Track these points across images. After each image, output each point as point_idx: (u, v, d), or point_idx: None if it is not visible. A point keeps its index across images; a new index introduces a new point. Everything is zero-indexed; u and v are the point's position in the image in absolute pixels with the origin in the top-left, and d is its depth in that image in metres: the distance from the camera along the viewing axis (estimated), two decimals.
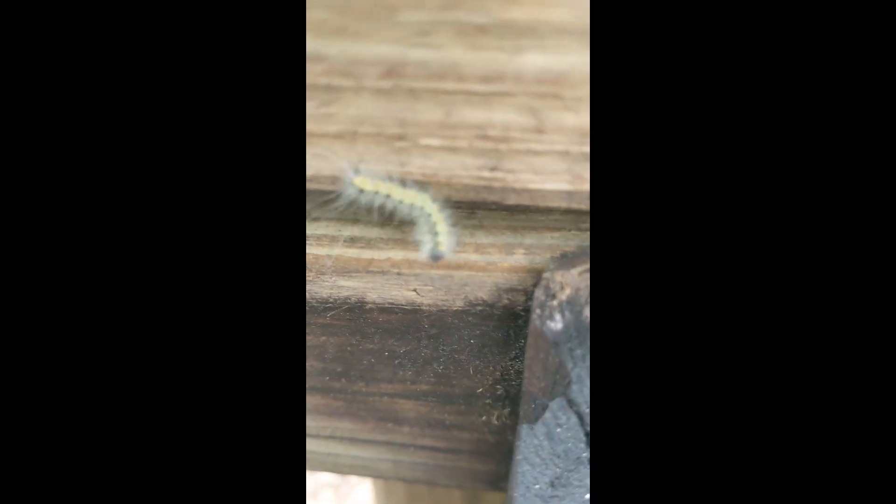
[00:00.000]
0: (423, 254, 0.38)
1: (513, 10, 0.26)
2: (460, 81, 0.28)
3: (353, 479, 1.95)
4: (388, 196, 0.33)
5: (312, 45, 0.27)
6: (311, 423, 0.55)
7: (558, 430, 0.35)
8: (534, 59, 0.27)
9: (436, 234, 0.37)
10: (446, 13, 0.26)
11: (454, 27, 0.26)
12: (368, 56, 0.27)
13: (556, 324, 0.35)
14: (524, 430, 0.36)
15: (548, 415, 0.35)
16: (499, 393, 0.47)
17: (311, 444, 0.59)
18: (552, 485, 0.35)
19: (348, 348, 0.46)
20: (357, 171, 0.32)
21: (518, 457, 0.36)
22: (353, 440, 0.56)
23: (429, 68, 0.27)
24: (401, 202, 0.34)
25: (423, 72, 0.28)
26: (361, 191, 0.32)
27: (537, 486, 0.35)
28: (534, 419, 0.37)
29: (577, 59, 0.28)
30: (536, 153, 0.31)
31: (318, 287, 0.42)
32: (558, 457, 0.35)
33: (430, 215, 0.35)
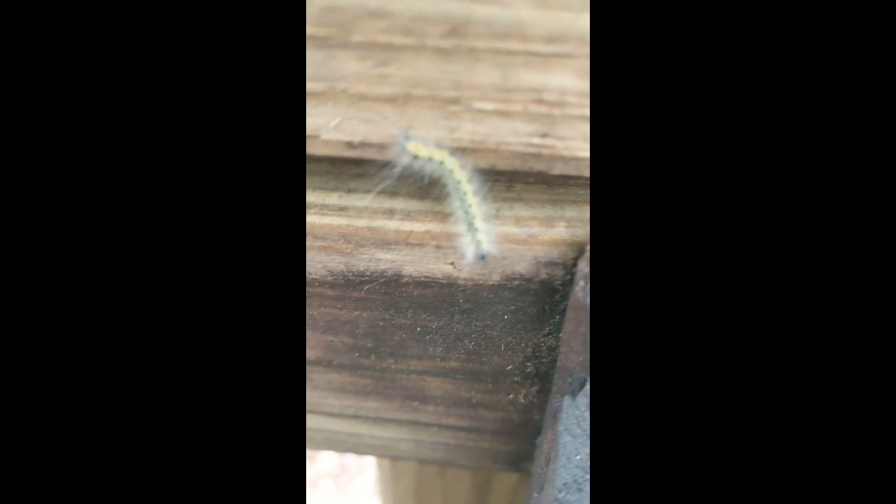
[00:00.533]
0: (468, 257, 0.37)
1: None
2: (524, 42, 0.27)
3: (353, 469, 1.94)
4: (441, 163, 0.32)
5: (376, 0, 0.27)
6: (336, 402, 0.55)
7: None
8: None
9: (475, 229, 0.36)
10: None
11: None
12: (433, 13, 0.27)
13: None
14: (566, 402, 0.36)
15: (590, 387, 0.35)
16: (528, 371, 0.47)
17: (333, 424, 0.58)
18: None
19: (381, 323, 0.45)
20: (408, 137, 0.32)
21: (559, 428, 0.35)
22: (377, 420, 0.56)
23: (493, 27, 0.27)
24: (451, 171, 0.33)
25: (486, 31, 0.27)
26: (415, 157, 0.32)
27: (578, 457, 0.35)
28: (575, 391, 0.36)
29: None
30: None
31: (356, 260, 0.41)
32: None
33: (464, 195, 0.35)
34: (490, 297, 0.42)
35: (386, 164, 0.33)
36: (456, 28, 0.27)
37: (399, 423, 0.55)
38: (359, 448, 0.60)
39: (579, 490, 0.35)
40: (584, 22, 0.27)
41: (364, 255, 0.40)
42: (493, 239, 0.37)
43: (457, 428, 0.54)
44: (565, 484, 0.35)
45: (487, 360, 0.46)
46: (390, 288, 0.42)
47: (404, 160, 0.32)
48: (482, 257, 0.37)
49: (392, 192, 0.38)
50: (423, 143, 0.32)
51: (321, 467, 1.97)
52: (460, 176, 0.33)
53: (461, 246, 0.37)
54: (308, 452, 1.90)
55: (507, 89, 0.29)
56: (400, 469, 0.98)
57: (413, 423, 0.55)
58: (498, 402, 0.50)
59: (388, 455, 0.60)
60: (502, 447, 0.56)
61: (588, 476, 0.35)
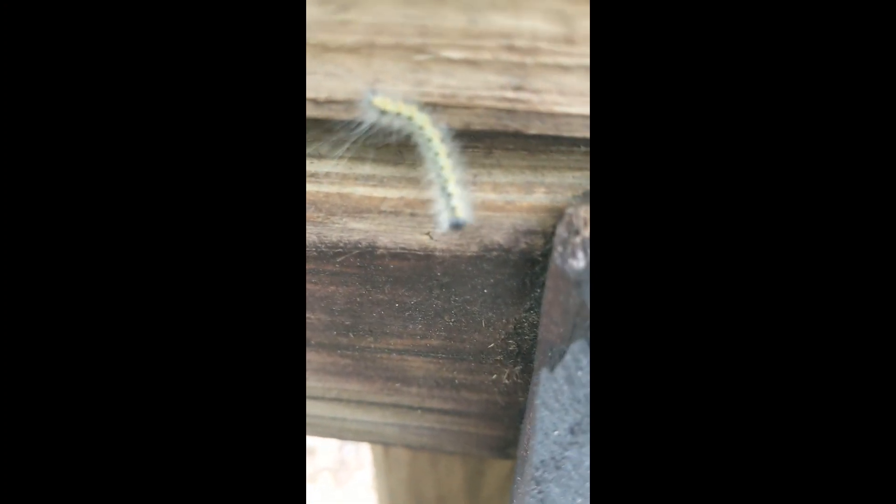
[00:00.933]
0: (443, 226, 0.34)
1: None
2: None
3: (352, 464, 1.92)
4: (409, 119, 0.30)
5: None
6: (317, 384, 0.53)
7: (579, 373, 0.32)
8: None
9: (448, 194, 0.34)
10: None
11: None
12: None
13: (579, 262, 0.32)
14: (543, 374, 0.33)
15: (568, 358, 0.33)
16: (511, 349, 0.44)
17: (316, 408, 0.56)
18: (572, 431, 0.32)
19: (357, 299, 0.43)
20: (374, 92, 0.30)
21: (536, 402, 0.33)
22: (359, 402, 0.53)
23: None
24: (420, 128, 0.31)
25: None
26: (383, 112, 0.29)
27: (556, 433, 0.32)
28: (553, 364, 0.34)
29: None
30: (565, 69, 0.28)
31: (328, 230, 0.39)
32: (579, 402, 0.32)
33: (436, 155, 0.32)
34: (468, 270, 0.40)
35: (352, 123, 0.31)
36: None
37: (382, 406, 0.53)
38: (343, 433, 0.58)
39: (557, 468, 0.33)
40: None
41: (336, 225, 0.38)
42: (469, 206, 0.34)
43: (441, 411, 0.52)
44: (542, 461, 0.32)
45: (468, 337, 0.44)
46: (365, 260, 0.40)
47: (371, 116, 0.30)
48: (457, 226, 0.34)
49: (363, 157, 0.36)
50: (391, 97, 0.30)
51: (320, 462, 1.95)
52: (431, 133, 0.31)
53: (435, 214, 0.34)
54: (308, 445, 1.88)
55: (476, 35, 0.27)
56: (393, 460, 0.96)
57: (396, 407, 0.53)
58: (481, 384, 0.48)
59: (374, 440, 0.58)
60: (488, 431, 0.54)
61: (566, 453, 0.32)
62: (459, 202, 0.34)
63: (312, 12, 0.28)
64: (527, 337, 0.43)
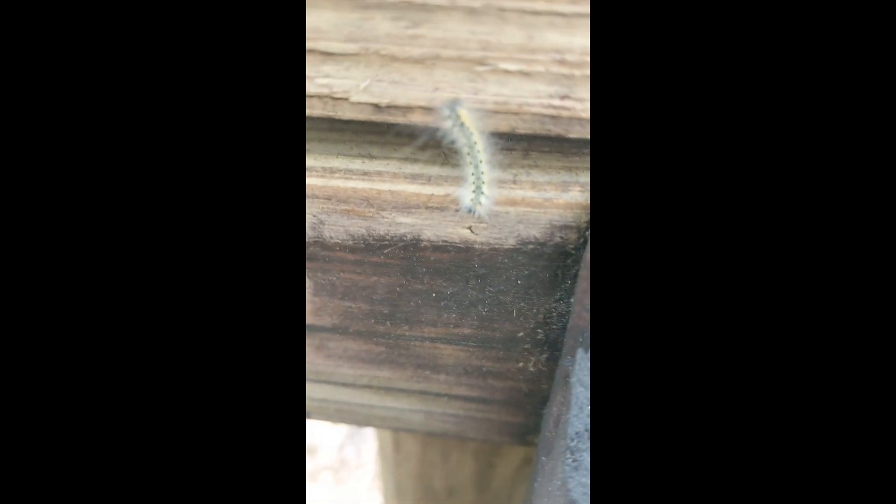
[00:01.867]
0: (462, 206, 0.39)
1: None
2: (549, 2, 0.29)
3: (353, 463, 1.95)
4: (471, 135, 0.33)
5: None
6: (350, 371, 0.56)
7: None
8: None
9: (481, 192, 0.38)
10: None
11: None
12: None
13: None
14: (578, 354, 0.37)
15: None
16: (539, 338, 0.48)
17: (346, 395, 0.59)
18: None
19: (397, 289, 0.47)
20: (461, 103, 0.33)
21: (572, 380, 0.37)
22: (388, 390, 0.57)
23: None
24: (475, 142, 0.34)
25: None
26: (462, 124, 0.33)
27: (589, 407, 0.36)
28: (587, 346, 0.37)
29: None
30: None
31: (377, 224, 0.42)
32: None
33: (479, 163, 0.36)
34: (505, 262, 0.43)
35: (413, 128, 0.35)
36: None
37: (409, 393, 0.57)
38: (370, 420, 0.62)
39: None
40: None
41: (385, 219, 0.42)
42: (490, 204, 0.38)
43: (467, 398, 0.56)
44: (577, 433, 0.36)
45: (499, 326, 0.48)
46: (408, 252, 0.44)
47: (447, 124, 0.33)
48: (470, 212, 0.38)
49: (414, 158, 0.40)
50: (472, 112, 0.33)
51: (321, 461, 1.97)
52: (480, 145, 0.34)
53: (461, 197, 0.38)
54: (309, 443, 1.90)
55: (531, 49, 0.31)
56: (402, 453, 0.99)
57: (423, 394, 0.56)
58: (508, 371, 0.52)
59: (398, 427, 0.62)
60: (510, 419, 0.57)
61: None
62: (485, 200, 0.38)
63: (385, 26, 0.32)
64: (554, 326, 0.47)
